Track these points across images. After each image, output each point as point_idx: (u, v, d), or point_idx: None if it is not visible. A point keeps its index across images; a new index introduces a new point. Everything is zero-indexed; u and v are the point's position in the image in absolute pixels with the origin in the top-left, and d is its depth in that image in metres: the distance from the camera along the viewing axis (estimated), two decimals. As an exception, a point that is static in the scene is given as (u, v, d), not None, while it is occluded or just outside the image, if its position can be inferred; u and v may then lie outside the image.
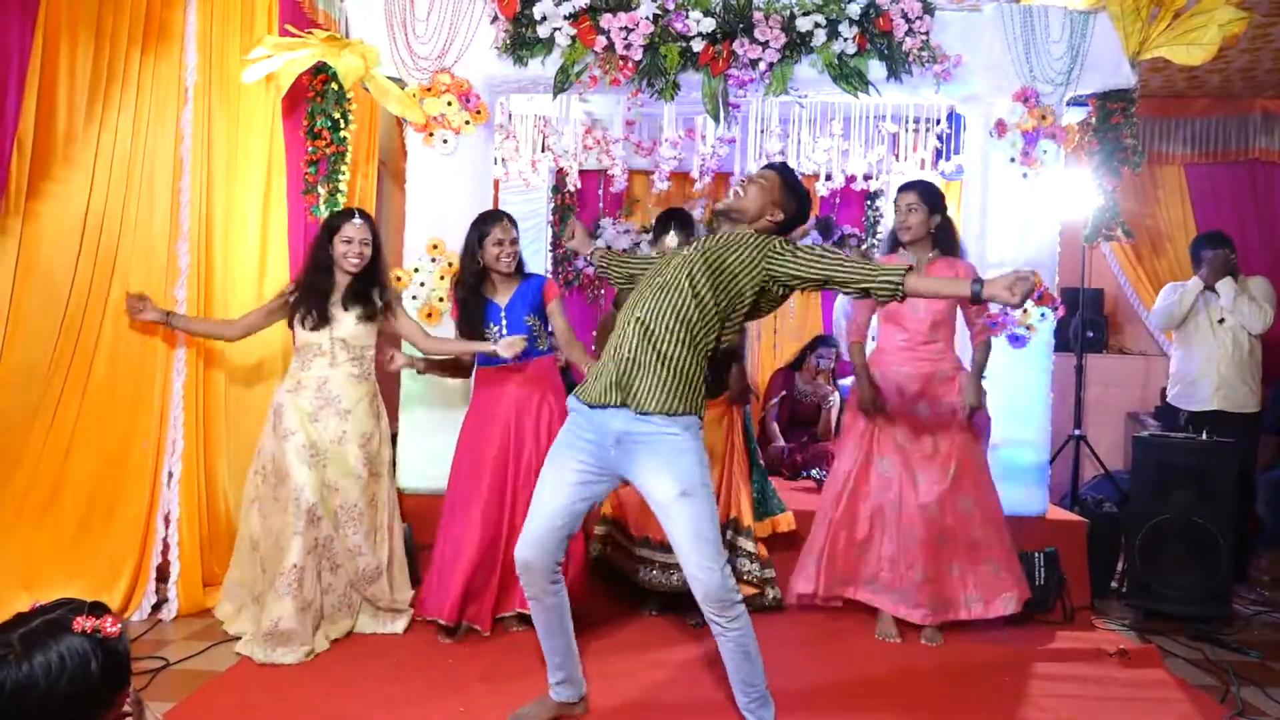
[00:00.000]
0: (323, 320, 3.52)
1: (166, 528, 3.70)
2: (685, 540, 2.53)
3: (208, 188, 3.82)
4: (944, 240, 3.78)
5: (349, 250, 3.51)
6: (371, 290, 3.59)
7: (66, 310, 3.43)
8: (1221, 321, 4.81)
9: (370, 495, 3.57)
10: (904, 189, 3.80)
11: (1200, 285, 4.85)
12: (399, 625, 3.61)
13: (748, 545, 3.87)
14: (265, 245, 4.08)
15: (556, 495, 2.66)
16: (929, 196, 3.76)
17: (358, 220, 3.54)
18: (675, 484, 2.54)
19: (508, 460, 3.56)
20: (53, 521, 3.44)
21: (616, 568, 3.99)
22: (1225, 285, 4.81)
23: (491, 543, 3.51)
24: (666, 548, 3.67)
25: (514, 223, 3.60)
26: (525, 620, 3.50)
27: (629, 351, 2.61)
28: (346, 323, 3.55)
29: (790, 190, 2.79)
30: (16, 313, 3.28)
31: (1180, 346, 5.02)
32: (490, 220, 3.58)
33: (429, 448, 4.18)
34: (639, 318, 2.63)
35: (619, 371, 2.60)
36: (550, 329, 3.69)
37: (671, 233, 3.92)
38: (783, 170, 2.83)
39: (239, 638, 3.41)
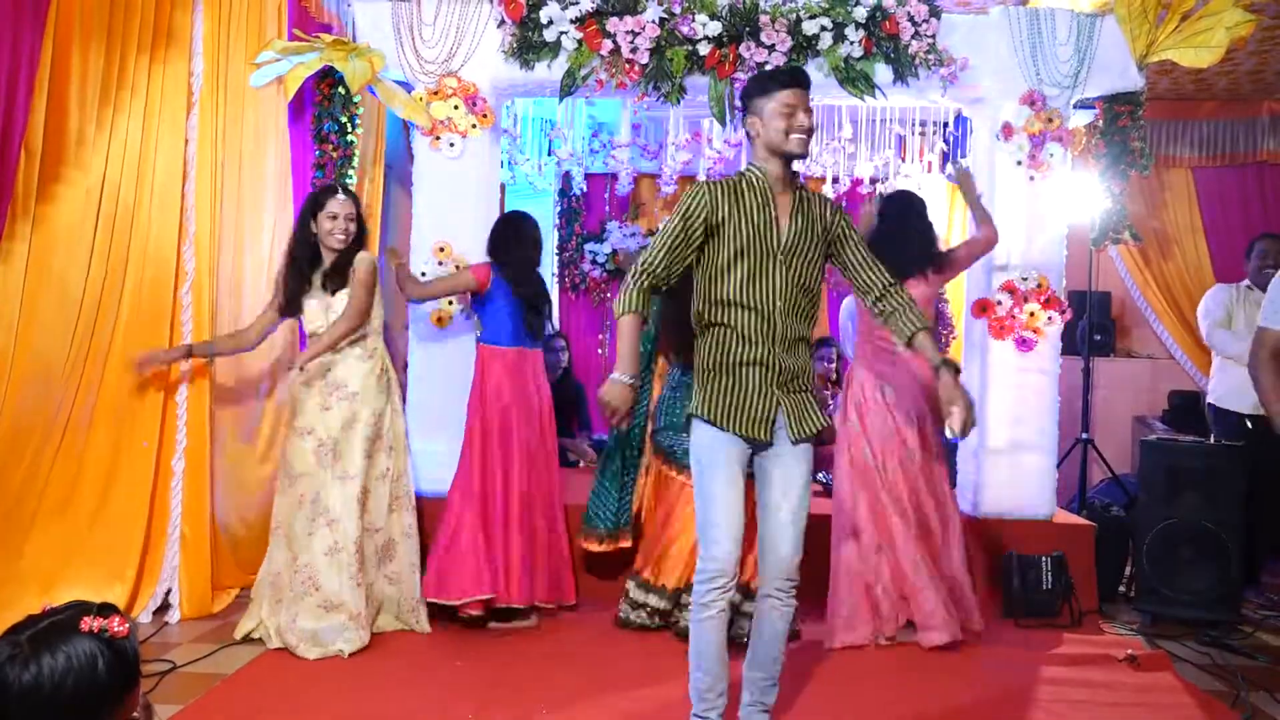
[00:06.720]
0: (294, 309, 3.48)
1: (173, 528, 3.71)
2: (794, 523, 2.60)
3: (215, 191, 3.83)
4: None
5: (334, 227, 3.40)
6: (349, 267, 3.46)
7: (80, 313, 3.44)
8: None
9: (383, 469, 3.54)
10: None
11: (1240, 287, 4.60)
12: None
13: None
14: (273, 248, 4.08)
15: None
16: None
17: (341, 195, 3.45)
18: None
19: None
20: (69, 523, 3.45)
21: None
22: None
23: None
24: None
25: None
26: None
27: None
28: (337, 306, 3.44)
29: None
30: (28, 316, 3.29)
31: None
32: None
33: (433, 451, 4.17)
34: None
35: None
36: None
37: None
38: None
39: (245, 640, 3.43)
